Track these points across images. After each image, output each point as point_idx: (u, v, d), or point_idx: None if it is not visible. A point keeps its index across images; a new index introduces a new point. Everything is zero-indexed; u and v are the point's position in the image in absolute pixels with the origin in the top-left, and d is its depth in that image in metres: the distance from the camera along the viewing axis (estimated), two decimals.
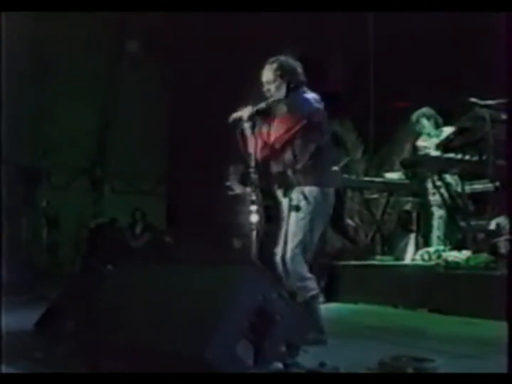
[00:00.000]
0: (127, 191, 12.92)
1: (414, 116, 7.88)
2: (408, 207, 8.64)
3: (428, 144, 7.70)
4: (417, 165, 7.80)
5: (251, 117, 4.61)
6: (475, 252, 6.75)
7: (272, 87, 4.69)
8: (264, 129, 4.69)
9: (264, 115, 4.70)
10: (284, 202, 4.70)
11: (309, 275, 4.60)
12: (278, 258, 4.64)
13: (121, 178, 12.93)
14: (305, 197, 4.55)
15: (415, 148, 8.04)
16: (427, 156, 7.58)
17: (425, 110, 7.81)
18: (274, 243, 4.78)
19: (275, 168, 4.73)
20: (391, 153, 10.05)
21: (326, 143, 4.79)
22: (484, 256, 6.52)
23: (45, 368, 3.74)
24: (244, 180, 6.92)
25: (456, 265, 6.63)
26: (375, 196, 8.88)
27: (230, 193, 8.67)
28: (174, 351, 3.20)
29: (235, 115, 4.65)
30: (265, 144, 4.63)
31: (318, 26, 10.31)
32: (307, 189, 4.58)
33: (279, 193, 4.75)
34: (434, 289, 6.33)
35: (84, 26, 11.44)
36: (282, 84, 4.68)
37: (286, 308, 3.43)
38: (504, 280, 3.22)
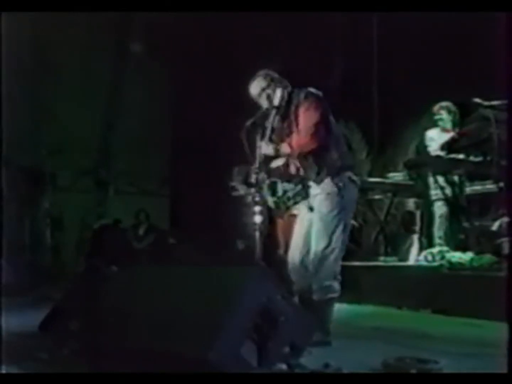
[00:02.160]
0: (131, 192, 12.94)
1: (436, 107, 7.86)
2: (412, 208, 8.64)
3: (437, 138, 7.68)
4: (421, 166, 7.80)
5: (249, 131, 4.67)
6: (479, 253, 6.74)
7: (270, 91, 4.75)
8: (286, 125, 4.74)
9: (263, 124, 4.73)
10: (310, 200, 4.69)
11: (337, 275, 4.64)
12: (297, 258, 4.64)
13: (125, 179, 12.94)
14: (339, 189, 4.58)
15: (422, 138, 8.00)
16: (431, 157, 7.58)
17: (448, 103, 7.78)
18: (280, 244, 4.79)
19: (318, 157, 4.67)
20: (395, 154, 10.05)
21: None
22: (488, 257, 6.52)
23: (50, 369, 3.75)
24: (248, 181, 6.91)
25: (460, 266, 6.62)
26: (379, 197, 8.87)
27: (234, 194, 8.66)
28: (178, 351, 3.20)
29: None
30: (296, 137, 4.64)
31: (322, 26, 10.30)
32: (346, 174, 4.64)
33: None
34: (438, 290, 6.32)
35: (88, 27, 11.47)
36: (277, 86, 4.74)
37: (290, 309, 3.43)
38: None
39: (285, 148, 4.66)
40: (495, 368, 3.11)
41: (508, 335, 2.84)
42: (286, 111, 4.72)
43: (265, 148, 4.67)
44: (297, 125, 4.67)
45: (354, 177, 4.74)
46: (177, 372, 3.09)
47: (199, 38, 11.83)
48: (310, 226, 4.64)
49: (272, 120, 4.69)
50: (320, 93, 4.74)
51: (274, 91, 4.71)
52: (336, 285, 4.64)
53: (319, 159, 4.63)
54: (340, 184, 4.58)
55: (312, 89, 4.74)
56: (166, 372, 3.11)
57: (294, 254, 4.70)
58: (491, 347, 4.14)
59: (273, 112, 4.69)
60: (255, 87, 4.79)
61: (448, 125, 7.72)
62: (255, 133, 4.71)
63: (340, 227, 4.61)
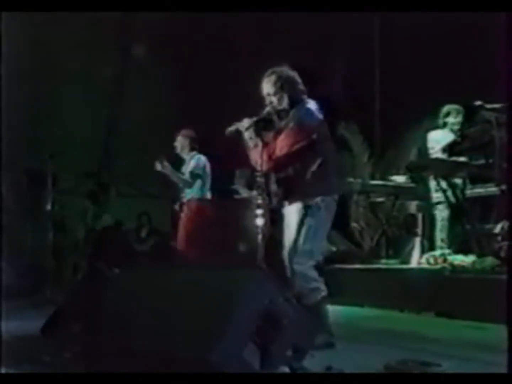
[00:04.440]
0: (133, 194, 12.92)
1: (445, 108, 7.82)
2: (413, 210, 8.63)
3: (441, 139, 7.67)
4: (423, 169, 7.79)
5: (251, 127, 4.63)
6: (481, 255, 6.73)
7: (274, 99, 4.68)
8: (270, 139, 4.69)
9: (267, 125, 4.70)
10: (289, 209, 4.70)
11: (318, 277, 4.63)
12: (286, 262, 4.65)
13: (128, 182, 12.93)
14: (310, 208, 4.56)
15: (424, 140, 7.99)
16: (433, 159, 7.57)
17: (459, 107, 7.75)
18: (281, 247, 4.79)
19: (282, 178, 4.69)
20: (397, 156, 10.04)
21: (332, 152, 4.81)
22: (490, 260, 6.51)
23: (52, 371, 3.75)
24: (250, 184, 6.95)
25: (462, 269, 6.62)
26: (381, 199, 8.87)
27: (236, 196, 8.68)
28: (181, 354, 3.20)
29: (231, 128, 4.69)
30: (272, 154, 4.61)
31: (324, 28, 10.31)
32: (313, 200, 4.59)
33: (285, 201, 4.73)
34: (440, 293, 6.31)
35: (89, 28, 11.46)
36: (283, 95, 4.67)
37: (293, 312, 3.42)
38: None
39: (256, 155, 4.63)
40: (498, 371, 3.11)
41: (508, 336, 2.85)
42: (280, 120, 4.69)
43: (244, 125, 4.69)
44: (280, 141, 4.63)
45: (330, 198, 4.70)
46: (178, 373, 3.09)
47: (201, 39, 11.82)
48: (294, 230, 4.64)
49: (265, 119, 4.67)
50: (319, 115, 4.67)
51: (279, 100, 4.66)
52: (322, 285, 4.63)
53: (290, 182, 4.66)
54: (312, 203, 4.58)
55: (313, 109, 4.67)
56: (168, 373, 3.11)
57: (285, 258, 4.72)
58: (494, 350, 4.14)
59: (271, 114, 4.68)
60: (264, 87, 4.72)
61: (456, 128, 7.70)
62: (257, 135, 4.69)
63: (311, 237, 4.59)
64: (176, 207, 7.91)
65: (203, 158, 7.75)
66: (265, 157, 4.61)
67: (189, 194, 7.65)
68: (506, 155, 4.95)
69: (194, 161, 7.68)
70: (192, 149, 7.85)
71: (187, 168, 7.70)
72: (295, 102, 4.68)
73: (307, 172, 4.59)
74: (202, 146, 7.98)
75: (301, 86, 4.76)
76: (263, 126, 4.68)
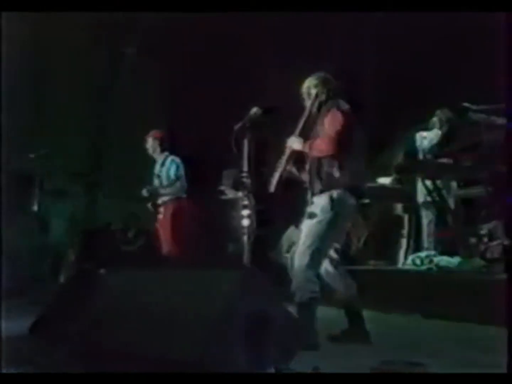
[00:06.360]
0: (122, 195, 12.88)
1: (444, 113, 7.82)
2: (400, 212, 8.66)
3: (429, 140, 7.68)
4: (410, 170, 7.82)
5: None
6: (467, 257, 6.76)
7: (314, 91, 4.91)
8: (314, 127, 4.85)
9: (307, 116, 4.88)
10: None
11: (315, 278, 4.64)
12: (288, 259, 4.70)
13: (117, 183, 12.88)
14: (339, 199, 4.66)
15: (413, 141, 8.03)
16: (420, 161, 7.60)
17: (448, 114, 7.74)
18: (269, 247, 4.82)
19: (322, 168, 4.77)
20: (384, 158, 10.05)
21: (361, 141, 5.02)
22: (476, 261, 6.55)
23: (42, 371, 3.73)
24: (237, 185, 6.98)
25: (448, 269, 6.64)
26: (367, 200, 8.87)
27: (223, 197, 8.70)
28: (170, 354, 3.20)
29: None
30: (317, 140, 4.74)
31: (321, 26, 10.30)
32: (342, 191, 4.68)
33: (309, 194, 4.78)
34: (427, 294, 6.33)
35: (82, 30, 11.43)
36: (323, 89, 4.90)
37: (282, 313, 3.43)
38: (497, 284, 3.26)
39: (306, 146, 4.76)
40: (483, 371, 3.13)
41: (508, 335, 2.88)
42: (318, 114, 4.84)
43: (291, 141, 4.82)
44: (322, 130, 4.75)
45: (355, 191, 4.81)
46: (167, 373, 3.09)
47: (196, 40, 11.79)
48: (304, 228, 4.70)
49: (305, 118, 4.85)
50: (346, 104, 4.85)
51: (317, 94, 4.87)
52: (313, 286, 4.63)
53: (321, 171, 4.73)
54: (334, 197, 4.64)
55: (341, 101, 4.86)
56: (157, 373, 3.11)
57: (286, 256, 4.76)
58: (480, 350, 4.17)
59: (307, 111, 4.85)
60: (306, 81, 4.98)
61: (444, 131, 7.71)
62: (244, 136, 4.72)
63: (322, 233, 4.64)
64: (150, 207, 8.03)
65: (177, 160, 7.95)
66: (313, 143, 4.77)
67: (170, 196, 7.79)
68: (500, 157, 4.98)
69: (172, 164, 7.83)
70: (163, 150, 8.06)
71: (164, 169, 7.83)
72: (332, 97, 4.89)
73: (346, 159, 4.73)
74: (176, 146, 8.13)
75: (337, 90, 4.98)
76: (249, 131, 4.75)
